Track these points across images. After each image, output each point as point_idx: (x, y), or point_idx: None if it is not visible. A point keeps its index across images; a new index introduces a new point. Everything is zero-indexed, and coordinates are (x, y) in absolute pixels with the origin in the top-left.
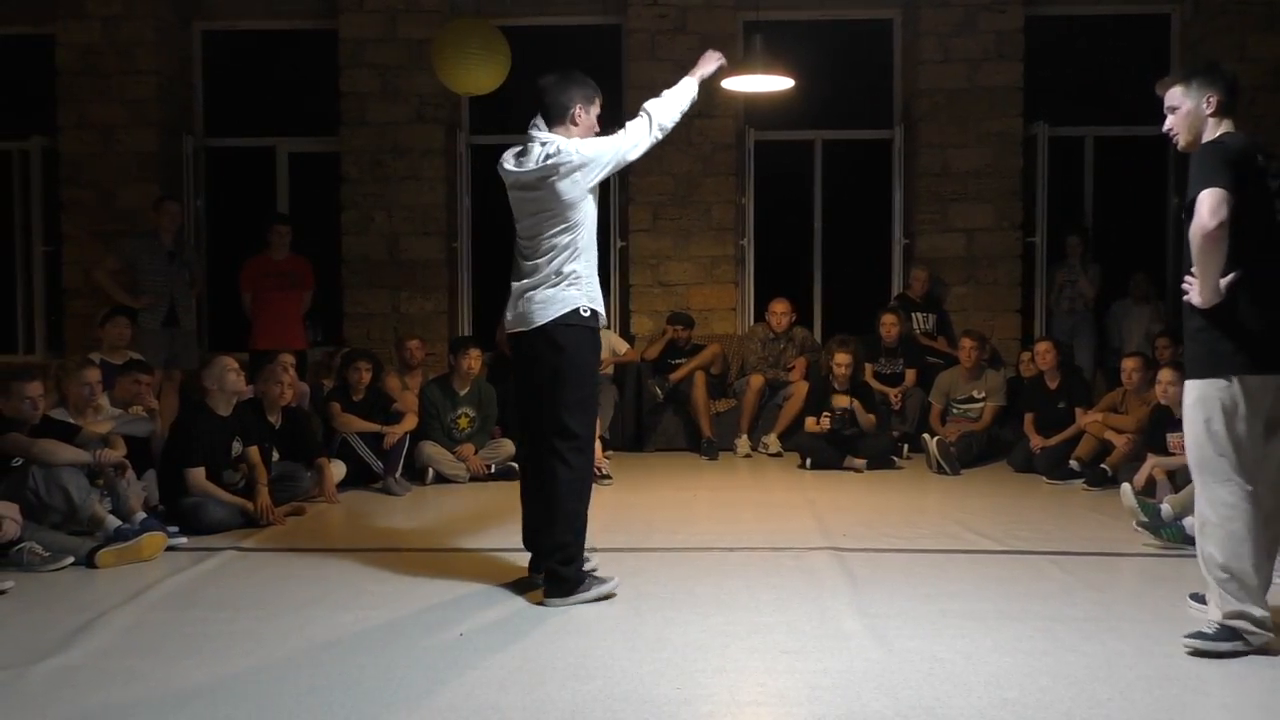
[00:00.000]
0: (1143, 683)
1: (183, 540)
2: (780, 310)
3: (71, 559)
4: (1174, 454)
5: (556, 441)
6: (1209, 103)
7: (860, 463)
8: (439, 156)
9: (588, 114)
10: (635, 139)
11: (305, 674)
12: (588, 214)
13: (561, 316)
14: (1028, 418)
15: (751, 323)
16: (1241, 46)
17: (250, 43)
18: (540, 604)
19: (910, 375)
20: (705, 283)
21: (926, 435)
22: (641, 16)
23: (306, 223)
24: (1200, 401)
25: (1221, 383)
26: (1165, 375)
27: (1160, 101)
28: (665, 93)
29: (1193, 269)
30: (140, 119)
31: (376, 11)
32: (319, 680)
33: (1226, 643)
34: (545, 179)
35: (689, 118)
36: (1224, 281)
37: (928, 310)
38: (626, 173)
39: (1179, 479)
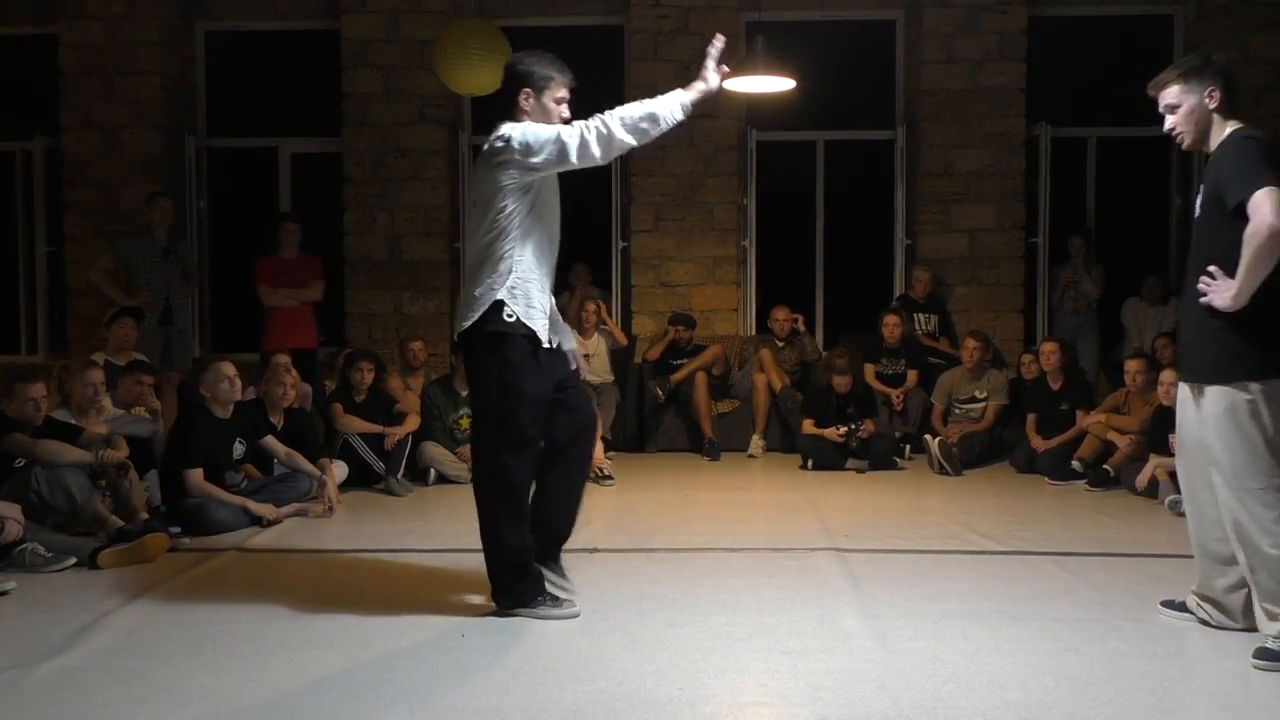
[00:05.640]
0: (1146, 683)
1: (185, 541)
2: (781, 317)
3: (74, 560)
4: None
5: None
6: (1211, 96)
7: (862, 464)
8: (441, 157)
9: (537, 100)
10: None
11: (307, 675)
12: (517, 210)
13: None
14: (1030, 419)
15: (753, 322)
16: (1245, 47)
17: (253, 43)
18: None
19: (912, 376)
20: (707, 283)
21: (928, 436)
22: (643, 17)
23: (309, 223)
24: (1231, 410)
25: (1256, 386)
26: (1167, 376)
27: (1156, 102)
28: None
29: (1210, 269)
30: (143, 119)
31: (379, 12)
32: (321, 681)
33: None
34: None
35: (691, 118)
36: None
37: (930, 311)
38: (629, 173)
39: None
